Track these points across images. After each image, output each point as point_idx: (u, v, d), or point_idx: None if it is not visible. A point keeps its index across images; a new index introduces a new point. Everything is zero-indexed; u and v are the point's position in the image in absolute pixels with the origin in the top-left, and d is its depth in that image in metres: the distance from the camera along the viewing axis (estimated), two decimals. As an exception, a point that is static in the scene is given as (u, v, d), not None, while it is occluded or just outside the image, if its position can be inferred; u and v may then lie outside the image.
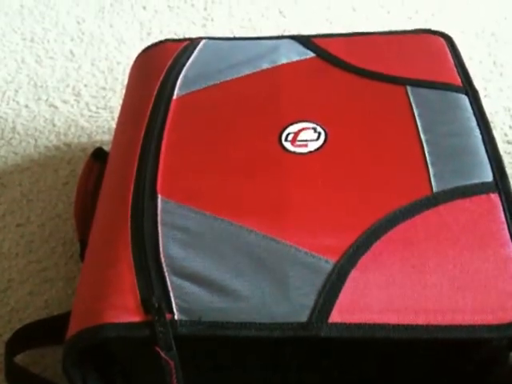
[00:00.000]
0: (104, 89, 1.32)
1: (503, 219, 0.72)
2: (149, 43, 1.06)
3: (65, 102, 1.29)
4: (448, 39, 0.98)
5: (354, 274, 0.68)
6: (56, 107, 1.28)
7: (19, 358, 0.87)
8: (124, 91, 1.01)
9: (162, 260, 0.71)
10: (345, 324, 0.66)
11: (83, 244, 0.91)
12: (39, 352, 0.90)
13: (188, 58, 0.96)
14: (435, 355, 0.72)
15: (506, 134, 1.16)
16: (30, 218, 1.09)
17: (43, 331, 0.89)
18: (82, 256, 0.90)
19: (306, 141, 0.81)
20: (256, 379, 0.77)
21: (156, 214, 0.75)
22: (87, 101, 1.29)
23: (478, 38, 1.37)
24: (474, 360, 0.71)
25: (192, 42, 1.00)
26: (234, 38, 1.07)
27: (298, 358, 0.74)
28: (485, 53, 1.33)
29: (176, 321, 0.67)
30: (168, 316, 0.67)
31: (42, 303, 0.97)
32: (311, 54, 0.96)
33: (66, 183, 1.14)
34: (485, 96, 1.22)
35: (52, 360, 0.89)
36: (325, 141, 0.81)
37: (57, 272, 1.00)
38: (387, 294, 0.67)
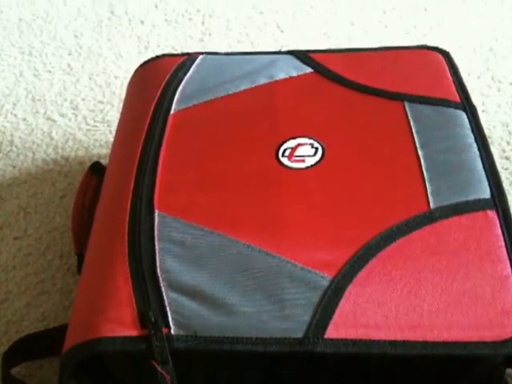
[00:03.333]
0: (102, 102, 1.32)
1: (500, 236, 0.72)
2: (146, 57, 1.06)
3: (62, 115, 1.30)
4: (446, 55, 0.98)
5: (350, 290, 0.68)
6: (54, 121, 1.29)
7: (16, 370, 0.87)
8: (121, 105, 1.01)
9: (159, 274, 0.71)
10: (341, 340, 0.66)
11: (80, 257, 0.91)
12: (36, 364, 0.90)
13: (186, 73, 0.97)
14: (432, 371, 0.72)
15: (503, 150, 1.16)
16: (28, 231, 1.09)
17: (40, 343, 0.89)
18: (79, 269, 0.90)
19: (303, 156, 0.82)
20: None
21: (153, 229, 0.75)
22: (85, 114, 1.29)
23: (475, 53, 1.37)
24: (470, 376, 0.71)
25: (190, 57, 1.01)
26: (232, 53, 1.07)
27: (294, 373, 0.74)
28: (483, 68, 1.33)
29: (172, 335, 0.67)
30: (164, 330, 0.67)
31: (39, 315, 0.97)
32: (309, 70, 0.96)
33: (63, 196, 1.14)
34: (482, 111, 1.23)
35: (49, 372, 0.89)
36: (322, 156, 0.82)
37: (54, 285, 1.00)
38: (383, 310, 0.67)
